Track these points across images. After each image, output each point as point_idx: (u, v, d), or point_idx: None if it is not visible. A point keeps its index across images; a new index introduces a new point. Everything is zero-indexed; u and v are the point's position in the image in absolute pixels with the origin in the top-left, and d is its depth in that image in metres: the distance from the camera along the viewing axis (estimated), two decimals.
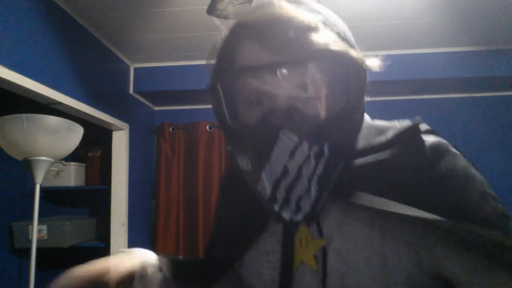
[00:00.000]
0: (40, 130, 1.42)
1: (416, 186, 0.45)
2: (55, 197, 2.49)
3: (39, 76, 1.34)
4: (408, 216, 0.42)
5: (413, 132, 0.49)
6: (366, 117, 0.55)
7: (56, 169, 2.26)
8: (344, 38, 0.47)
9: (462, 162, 0.47)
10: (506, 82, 2.15)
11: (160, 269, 0.61)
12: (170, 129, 2.39)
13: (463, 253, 0.42)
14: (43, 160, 1.46)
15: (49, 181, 2.26)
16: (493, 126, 2.29)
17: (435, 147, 0.48)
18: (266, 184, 0.45)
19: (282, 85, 0.44)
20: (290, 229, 0.52)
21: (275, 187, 0.45)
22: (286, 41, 0.43)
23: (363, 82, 0.47)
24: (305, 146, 0.43)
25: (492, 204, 0.44)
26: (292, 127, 0.43)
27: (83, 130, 1.62)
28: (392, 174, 0.47)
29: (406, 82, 2.13)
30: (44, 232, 2.04)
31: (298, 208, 0.45)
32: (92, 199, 2.47)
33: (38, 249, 1.51)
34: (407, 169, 0.46)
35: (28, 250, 1.49)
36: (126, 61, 2.11)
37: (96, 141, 2.27)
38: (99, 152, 2.38)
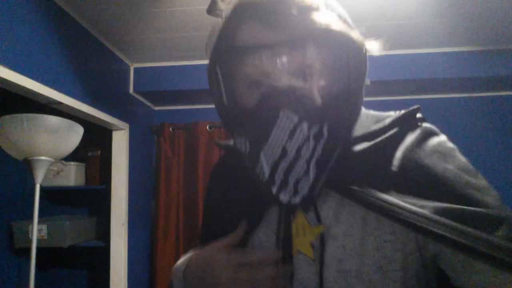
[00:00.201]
0: (40, 130, 1.42)
1: (406, 164, 0.46)
2: (55, 197, 2.49)
3: (39, 76, 1.33)
4: (404, 208, 0.42)
5: (408, 117, 0.51)
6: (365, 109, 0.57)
7: (56, 169, 2.26)
8: (344, 21, 0.47)
9: (448, 144, 0.50)
10: (506, 82, 2.15)
11: None
12: (170, 129, 2.39)
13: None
14: (43, 160, 1.46)
15: (49, 181, 2.26)
16: (493, 126, 2.29)
17: (425, 129, 0.51)
18: (264, 166, 0.45)
19: (283, 65, 0.44)
20: (286, 216, 0.51)
21: (274, 169, 0.44)
22: (288, 20, 0.43)
23: (364, 65, 0.47)
24: (305, 126, 0.43)
25: (473, 179, 0.45)
26: (292, 107, 0.43)
27: (83, 130, 1.62)
28: (387, 158, 0.48)
29: (406, 82, 2.13)
30: (44, 231, 2.04)
31: (296, 191, 0.45)
32: (92, 199, 2.47)
33: (38, 249, 1.51)
34: (400, 148, 0.48)
35: (28, 249, 1.49)
36: (126, 61, 2.11)
37: (96, 141, 2.27)
38: (99, 152, 2.38)
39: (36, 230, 1.49)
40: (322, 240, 0.48)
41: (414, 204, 0.43)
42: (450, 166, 0.46)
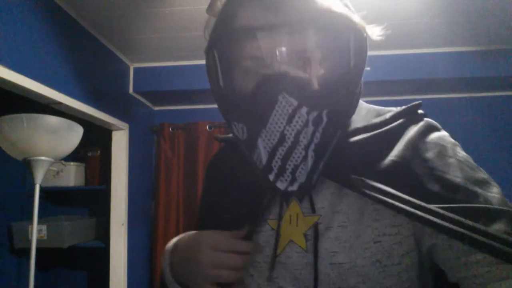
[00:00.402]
0: (40, 130, 1.42)
1: (407, 156, 0.46)
2: (55, 197, 2.49)
3: (39, 76, 1.33)
4: (401, 198, 0.42)
5: (410, 111, 0.51)
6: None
7: (56, 169, 2.26)
8: (345, 4, 0.46)
9: (449, 138, 0.50)
10: (506, 82, 2.15)
11: None
12: (170, 129, 2.39)
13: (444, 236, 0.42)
14: (43, 160, 1.46)
15: (48, 181, 2.25)
16: (493, 126, 2.29)
17: (427, 123, 0.51)
18: (261, 152, 0.44)
19: (283, 48, 0.42)
20: (282, 204, 0.51)
21: (271, 155, 0.44)
22: (288, 2, 0.42)
23: (364, 49, 0.45)
24: (304, 111, 0.42)
25: (474, 172, 0.45)
26: (292, 91, 0.41)
27: (83, 130, 1.62)
28: (387, 150, 0.47)
29: (406, 82, 2.13)
30: (44, 232, 2.04)
31: (294, 178, 0.44)
32: (91, 199, 2.47)
33: (37, 249, 1.51)
34: (401, 141, 0.48)
35: (28, 250, 1.48)
36: (126, 61, 2.11)
37: (96, 141, 2.27)
38: (99, 152, 2.37)
39: (36, 231, 1.48)
40: (316, 230, 0.47)
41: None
42: (451, 160, 0.46)
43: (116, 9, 1.57)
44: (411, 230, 0.45)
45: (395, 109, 0.52)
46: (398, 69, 2.07)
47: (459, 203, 0.41)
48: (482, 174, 0.45)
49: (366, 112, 0.53)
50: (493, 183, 0.44)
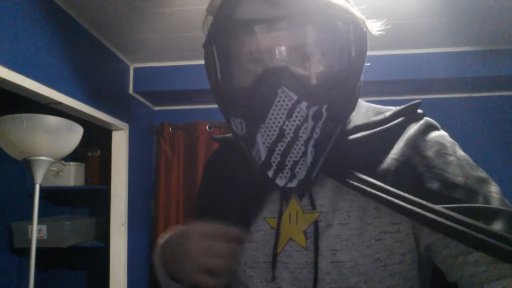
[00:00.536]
0: (40, 130, 1.42)
1: (406, 154, 0.46)
2: (55, 197, 2.49)
3: (39, 76, 1.33)
4: (400, 196, 0.42)
5: (410, 110, 0.51)
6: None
7: (55, 169, 2.26)
8: None
9: (449, 138, 0.50)
10: (506, 82, 2.15)
11: None
12: (170, 129, 2.39)
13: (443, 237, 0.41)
14: (42, 160, 1.46)
15: (48, 181, 2.25)
16: (493, 126, 2.29)
17: (427, 122, 0.51)
18: (260, 148, 0.43)
19: (283, 41, 0.42)
20: (282, 201, 0.50)
21: (270, 151, 0.43)
22: None
23: (364, 43, 0.45)
24: (304, 106, 0.41)
25: (473, 171, 0.45)
26: (291, 85, 0.41)
27: (82, 130, 1.62)
28: (387, 148, 0.47)
29: (406, 82, 2.13)
30: (44, 232, 2.04)
31: (293, 174, 0.43)
32: (91, 199, 2.47)
33: (37, 249, 1.51)
34: (401, 139, 0.48)
35: (28, 250, 1.48)
36: (126, 61, 2.11)
37: (96, 141, 2.27)
38: (98, 152, 2.37)
39: (36, 230, 1.48)
40: (317, 228, 0.46)
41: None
42: (451, 158, 0.46)
43: (116, 9, 1.57)
44: (411, 229, 0.45)
45: (394, 108, 0.52)
46: (398, 69, 2.07)
47: (458, 202, 0.41)
48: (482, 173, 0.45)
49: (366, 110, 0.53)
50: (492, 182, 0.44)
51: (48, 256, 2.35)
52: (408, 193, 0.42)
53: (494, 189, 0.43)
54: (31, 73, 1.29)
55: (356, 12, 0.44)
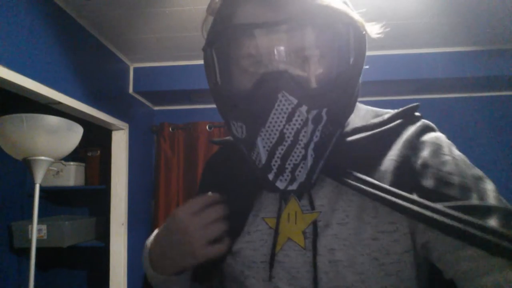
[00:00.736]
0: (39, 130, 1.42)
1: (403, 155, 0.46)
2: (55, 197, 2.49)
3: (39, 76, 1.33)
4: (398, 194, 0.42)
5: (408, 112, 0.51)
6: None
7: (55, 169, 2.26)
8: (344, 1, 0.46)
9: (445, 139, 0.49)
10: (506, 82, 2.15)
11: None
12: (170, 129, 2.39)
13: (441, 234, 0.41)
14: (42, 159, 1.46)
15: (48, 181, 2.26)
16: (493, 126, 2.29)
17: (424, 123, 0.51)
18: (261, 152, 0.44)
19: (282, 45, 0.42)
20: (281, 202, 0.51)
21: (271, 154, 0.43)
22: None
23: (363, 46, 0.45)
24: (304, 109, 0.42)
25: (469, 170, 0.45)
26: (291, 89, 0.41)
27: (82, 130, 1.62)
28: (384, 149, 0.48)
29: (406, 82, 2.13)
30: (44, 231, 2.04)
31: (293, 178, 0.44)
32: (91, 199, 2.47)
33: (37, 249, 1.51)
34: (398, 140, 0.48)
35: (28, 249, 1.48)
36: (126, 61, 2.11)
37: (95, 141, 2.27)
38: (98, 152, 2.38)
39: (36, 230, 1.48)
40: (315, 228, 0.47)
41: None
42: (447, 158, 0.46)
43: (116, 9, 1.57)
44: (408, 228, 0.45)
45: (393, 111, 0.53)
46: (398, 69, 2.07)
47: (453, 199, 0.41)
48: (478, 172, 0.45)
49: (365, 113, 0.54)
50: (488, 180, 0.44)
51: (48, 256, 2.35)
52: (406, 192, 0.42)
53: (489, 187, 0.43)
54: (31, 73, 1.29)
55: (355, 15, 0.44)
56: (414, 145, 0.47)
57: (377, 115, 0.52)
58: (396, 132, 0.49)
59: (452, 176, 0.43)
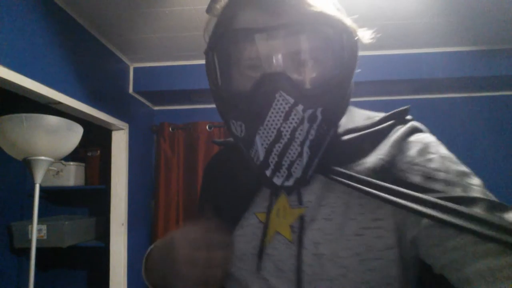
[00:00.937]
0: (39, 130, 1.42)
1: (391, 154, 0.48)
2: (55, 197, 2.49)
3: (39, 76, 1.33)
4: (384, 187, 0.44)
5: (398, 115, 0.54)
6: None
7: (55, 169, 2.26)
8: (338, 8, 0.49)
9: (432, 138, 0.51)
10: (506, 82, 2.15)
11: None
12: (170, 129, 2.39)
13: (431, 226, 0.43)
14: (42, 159, 1.46)
15: (48, 181, 2.26)
16: (493, 126, 2.29)
17: (412, 125, 0.53)
18: (259, 149, 0.46)
19: (279, 48, 0.45)
20: (271, 198, 0.53)
21: (268, 151, 0.46)
22: (284, 5, 0.45)
23: (355, 51, 0.47)
24: (300, 108, 0.44)
25: (455, 166, 0.46)
26: (288, 89, 0.44)
27: (82, 130, 1.62)
28: (373, 148, 0.50)
29: (406, 82, 2.13)
30: (44, 232, 2.04)
31: (290, 174, 0.46)
32: (91, 199, 2.47)
33: (37, 249, 1.51)
34: (386, 140, 0.50)
35: (28, 250, 1.48)
36: (126, 61, 2.11)
37: (95, 141, 2.27)
38: (98, 152, 2.38)
39: (36, 230, 1.48)
40: (302, 222, 0.49)
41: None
42: (432, 155, 0.47)
43: (116, 9, 1.57)
44: (393, 225, 0.46)
45: (383, 114, 0.55)
46: (398, 69, 2.07)
47: (438, 192, 0.43)
48: (464, 168, 0.46)
49: (357, 116, 0.56)
50: (474, 176, 0.45)
51: (48, 256, 2.35)
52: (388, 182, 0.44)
53: (475, 182, 0.44)
54: (31, 73, 1.29)
55: (348, 21, 0.47)
56: (401, 144, 0.49)
57: (369, 118, 0.55)
58: (385, 133, 0.51)
59: (438, 172, 0.45)
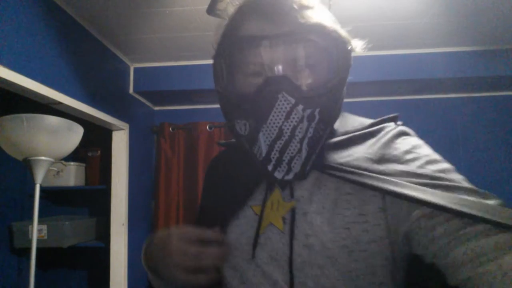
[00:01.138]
0: (40, 130, 1.42)
1: (378, 154, 0.52)
2: (55, 197, 2.49)
3: (39, 76, 1.34)
4: (372, 186, 0.48)
5: (387, 121, 0.58)
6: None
7: (56, 169, 2.26)
8: (334, 21, 0.55)
9: (418, 140, 0.55)
10: (506, 82, 2.15)
11: None
12: (170, 129, 2.39)
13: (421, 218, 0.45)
14: (43, 160, 1.46)
15: (49, 181, 2.26)
16: (493, 126, 2.29)
17: (400, 129, 0.57)
18: (262, 145, 0.51)
19: (282, 54, 0.50)
20: (267, 192, 0.57)
21: (271, 147, 0.51)
22: (286, 16, 0.50)
23: (349, 58, 0.53)
24: (300, 108, 0.49)
25: (439, 163, 0.49)
26: (290, 91, 0.49)
27: (83, 130, 1.62)
28: (363, 149, 0.54)
29: (406, 82, 2.13)
30: (44, 232, 2.04)
31: (289, 168, 0.51)
32: (92, 199, 2.47)
33: (38, 249, 1.51)
34: (375, 142, 0.54)
35: (28, 250, 1.49)
36: (126, 61, 2.11)
37: (96, 141, 2.27)
38: (99, 152, 2.38)
39: (36, 230, 1.49)
40: (293, 214, 0.53)
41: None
42: (417, 155, 0.51)
43: (116, 9, 1.57)
44: (381, 220, 0.50)
45: (374, 120, 0.59)
46: (398, 69, 2.07)
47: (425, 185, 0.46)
48: (448, 165, 0.50)
49: (351, 122, 0.61)
50: (457, 172, 0.48)
51: (48, 256, 2.35)
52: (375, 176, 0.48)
53: (458, 176, 0.47)
54: (31, 73, 1.29)
55: (343, 32, 0.53)
56: (388, 146, 0.54)
57: (361, 123, 0.59)
58: (374, 135, 0.56)
59: (422, 169, 0.49)
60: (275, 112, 0.49)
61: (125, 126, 2.04)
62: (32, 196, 1.59)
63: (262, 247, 0.54)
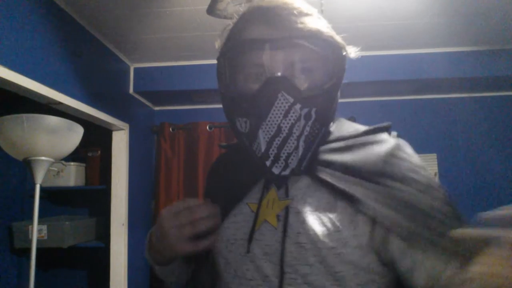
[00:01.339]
0: (40, 130, 1.42)
1: (369, 161, 0.54)
2: (55, 197, 2.49)
3: (39, 76, 1.33)
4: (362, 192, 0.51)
5: (380, 130, 0.61)
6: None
7: (56, 169, 2.26)
8: (331, 28, 0.58)
9: (408, 149, 0.58)
10: (506, 82, 2.15)
11: None
12: (170, 129, 2.39)
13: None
14: (43, 160, 1.46)
15: (49, 181, 2.25)
16: (493, 126, 2.29)
17: (391, 138, 0.59)
18: (261, 142, 0.54)
19: (281, 57, 0.53)
20: (263, 191, 0.60)
21: (269, 144, 0.54)
22: (287, 22, 0.53)
23: (344, 63, 0.57)
24: (298, 107, 0.53)
25: (422, 176, 0.53)
26: (289, 91, 0.52)
27: (83, 130, 1.62)
28: (355, 156, 0.56)
29: (406, 82, 2.13)
30: (44, 232, 2.04)
31: (286, 164, 0.54)
32: (92, 199, 2.47)
33: (38, 249, 1.51)
34: (366, 150, 0.57)
35: (28, 250, 1.48)
36: (126, 61, 2.11)
37: (96, 141, 2.27)
38: (99, 152, 2.37)
39: (36, 231, 1.49)
40: (287, 212, 0.55)
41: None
42: (405, 164, 0.54)
43: (116, 9, 1.57)
44: (367, 228, 0.52)
45: (369, 127, 0.62)
46: (398, 69, 2.07)
47: (397, 191, 0.51)
48: (430, 176, 0.54)
49: (346, 128, 0.63)
50: (427, 169, 0.55)
51: (48, 256, 2.35)
52: (368, 187, 0.52)
53: (428, 172, 0.53)
54: (31, 73, 1.29)
55: (338, 38, 0.57)
56: (378, 153, 0.56)
57: (355, 130, 0.62)
58: (365, 143, 0.58)
59: (408, 173, 0.52)
60: (274, 110, 0.52)
61: (125, 126, 2.04)
62: (32, 196, 1.59)
63: (257, 243, 0.56)
